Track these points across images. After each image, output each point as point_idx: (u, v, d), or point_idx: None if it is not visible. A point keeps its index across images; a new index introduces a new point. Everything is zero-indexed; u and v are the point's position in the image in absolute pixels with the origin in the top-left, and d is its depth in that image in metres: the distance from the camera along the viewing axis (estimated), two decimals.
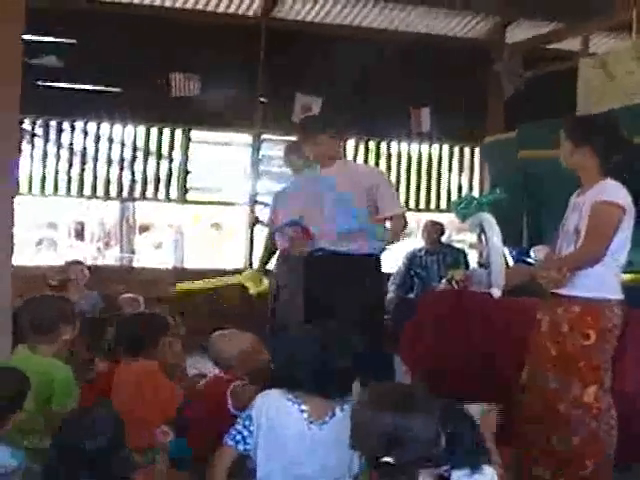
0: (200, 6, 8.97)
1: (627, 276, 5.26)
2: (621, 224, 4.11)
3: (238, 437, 3.32)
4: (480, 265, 6.51)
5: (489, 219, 4.34)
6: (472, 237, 8.34)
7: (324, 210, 5.43)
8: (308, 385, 3.23)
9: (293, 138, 8.05)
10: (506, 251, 4.44)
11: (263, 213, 6.86)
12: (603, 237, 4.07)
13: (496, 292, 4.25)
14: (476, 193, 9.95)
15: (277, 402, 3.26)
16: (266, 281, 6.74)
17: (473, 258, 8.89)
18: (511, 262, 6.29)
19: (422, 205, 10.10)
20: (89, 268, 7.91)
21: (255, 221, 6.91)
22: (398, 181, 9.92)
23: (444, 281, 6.61)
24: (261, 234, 7.05)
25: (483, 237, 4.42)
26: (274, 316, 6.01)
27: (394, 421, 2.53)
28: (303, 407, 3.21)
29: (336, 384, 3.25)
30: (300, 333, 3.53)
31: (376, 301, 5.62)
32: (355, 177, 5.51)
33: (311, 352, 3.26)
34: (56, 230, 14.54)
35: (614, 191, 4.13)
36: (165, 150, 9.17)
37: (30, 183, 8.76)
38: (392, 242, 5.64)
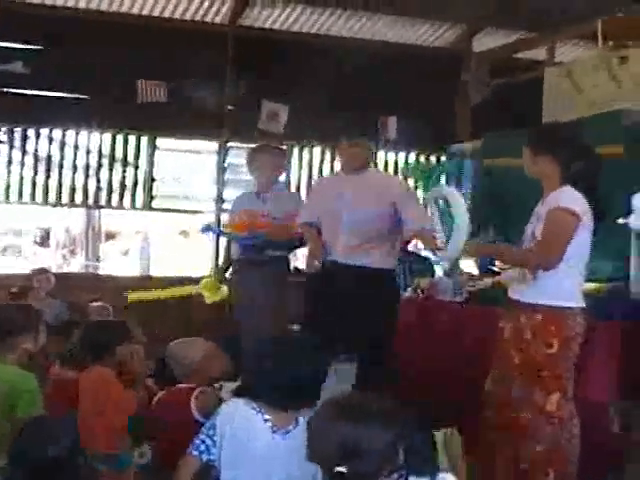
0: (168, 13, 8.94)
1: (591, 285, 5.31)
2: (576, 231, 4.14)
3: (202, 447, 3.29)
4: (446, 274, 6.53)
5: (453, 192, 4.37)
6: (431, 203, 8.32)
7: (339, 227, 5.53)
8: (268, 396, 3.22)
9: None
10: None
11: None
12: (556, 243, 4.10)
13: (444, 262, 4.30)
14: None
15: (241, 411, 3.25)
16: (224, 289, 6.75)
17: (439, 266, 8.91)
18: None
19: None
20: (54, 275, 7.84)
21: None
22: None
23: (410, 289, 6.63)
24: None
25: (438, 211, 4.46)
26: (235, 321, 6.09)
27: (348, 431, 2.52)
28: (267, 416, 3.20)
29: (297, 397, 3.23)
30: (263, 344, 3.52)
31: (384, 316, 5.53)
32: (379, 190, 5.53)
33: (272, 364, 3.25)
34: (21, 237, 14.44)
35: (570, 198, 4.16)
36: (131, 157, 9.12)
37: None
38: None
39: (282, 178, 6.75)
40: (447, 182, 4.51)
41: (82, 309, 7.22)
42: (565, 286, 4.16)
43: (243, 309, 6.33)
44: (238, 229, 6.47)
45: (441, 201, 4.41)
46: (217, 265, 7.13)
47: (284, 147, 7.01)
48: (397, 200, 5.42)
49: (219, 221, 8.55)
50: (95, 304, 7.22)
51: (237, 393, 3.41)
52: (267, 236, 6.13)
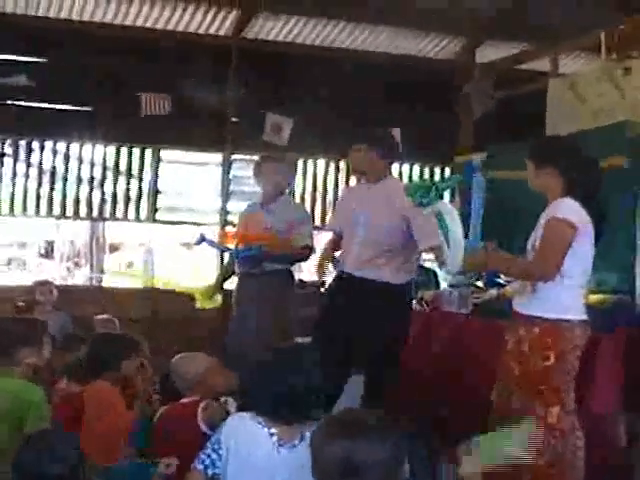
0: (172, 25, 8.95)
1: (595, 297, 5.30)
2: (573, 242, 4.13)
3: (207, 461, 3.29)
4: (451, 286, 6.52)
5: (447, 207, 4.37)
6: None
7: (353, 240, 5.55)
8: (271, 410, 3.22)
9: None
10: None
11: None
12: (552, 254, 4.10)
13: (447, 277, 4.29)
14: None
15: (246, 425, 3.24)
16: (219, 298, 6.75)
17: (443, 278, 8.90)
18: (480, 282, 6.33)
19: None
20: (57, 288, 7.84)
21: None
22: None
23: (414, 302, 6.62)
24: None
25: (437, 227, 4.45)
26: (234, 335, 6.10)
27: (348, 447, 2.51)
28: (272, 430, 3.19)
29: (300, 410, 3.23)
30: (265, 357, 3.51)
31: (390, 331, 5.47)
32: (392, 203, 5.49)
33: (273, 377, 3.25)
34: (25, 249, 14.46)
35: (567, 209, 4.16)
36: (135, 170, 9.14)
37: None
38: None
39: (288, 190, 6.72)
40: (452, 197, 4.51)
41: (86, 322, 7.20)
42: (563, 298, 4.16)
43: (242, 323, 6.32)
44: (231, 240, 6.47)
45: (439, 216, 4.40)
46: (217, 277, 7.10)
47: (291, 158, 6.99)
48: (407, 214, 5.35)
49: (225, 232, 8.52)
50: (101, 317, 7.20)
51: (241, 407, 3.40)
52: (263, 248, 6.11)
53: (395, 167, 9.94)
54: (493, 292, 6.10)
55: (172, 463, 3.67)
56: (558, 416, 4.18)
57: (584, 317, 4.24)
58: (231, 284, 6.83)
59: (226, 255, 6.88)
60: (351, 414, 2.76)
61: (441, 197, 4.40)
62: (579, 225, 4.13)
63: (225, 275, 6.94)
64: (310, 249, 6.29)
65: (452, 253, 4.33)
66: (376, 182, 5.64)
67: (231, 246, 6.47)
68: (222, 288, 6.96)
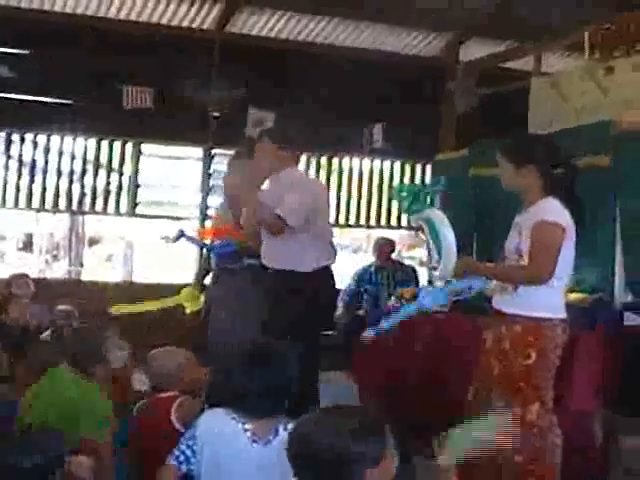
0: (155, 18, 8.92)
1: (575, 295, 5.30)
2: (561, 244, 4.12)
3: (182, 457, 3.26)
4: (430, 283, 6.52)
5: (437, 213, 4.35)
6: (422, 254, 8.37)
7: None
8: (246, 406, 3.19)
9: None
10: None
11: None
12: (549, 258, 4.08)
13: (440, 282, 4.27)
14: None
15: (220, 421, 3.21)
16: (202, 298, 6.72)
17: (423, 275, 8.92)
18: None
19: (373, 221, 10.11)
20: (34, 281, 7.77)
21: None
22: (349, 197, 9.93)
23: (393, 298, 6.62)
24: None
25: (427, 233, 4.43)
26: (207, 330, 6.07)
27: (325, 443, 2.49)
28: (247, 426, 3.16)
29: (274, 405, 3.21)
30: (233, 352, 3.48)
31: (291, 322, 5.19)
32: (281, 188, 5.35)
33: (244, 372, 3.22)
34: (4, 242, 14.38)
35: (555, 211, 4.14)
36: (116, 163, 9.09)
37: None
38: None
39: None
40: (432, 199, 4.46)
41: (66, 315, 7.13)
42: (545, 297, 4.15)
43: (218, 319, 6.28)
44: (208, 235, 6.41)
45: (429, 222, 4.39)
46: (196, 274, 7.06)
47: None
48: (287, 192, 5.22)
49: (203, 228, 8.48)
50: (62, 307, 7.10)
51: (208, 400, 3.38)
52: (239, 244, 6.05)
53: (376, 163, 9.96)
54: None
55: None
56: (537, 413, 4.17)
57: (564, 316, 4.23)
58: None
59: (204, 251, 6.82)
60: (329, 410, 2.73)
61: (431, 202, 4.38)
62: (567, 227, 4.12)
63: (203, 272, 6.89)
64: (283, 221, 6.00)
65: (444, 260, 4.31)
66: (274, 174, 5.43)
67: (208, 242, 6.40)
68: (202, 285, 6.91)
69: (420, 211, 4.34)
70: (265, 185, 5.56)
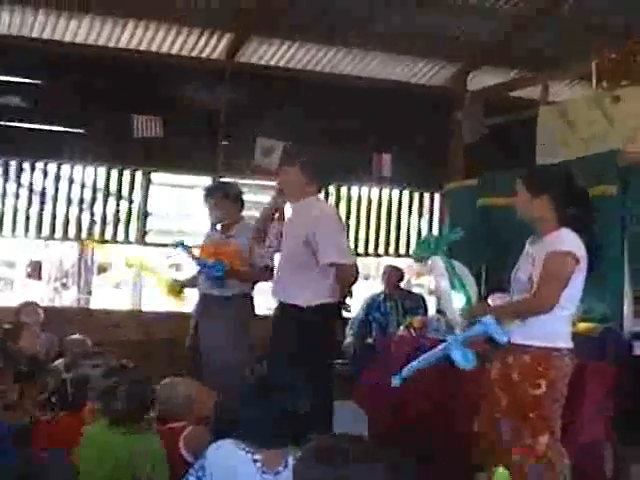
0: (165, 48, 8.98)
1: (584, 325, 5.30)
2: (573, 275, 4.12)
3: None
4: (439, 312, 6.52)
5: (437, 261, 4.36)
6: (431, 282, 8.36)
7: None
8: (256, 436, 3.19)
9: (253, 181, 8.11)
10: (473, 288, 4.43)
11: None
12: (557, 287, 4.08)
13: (457, 331, 4.26)
14: (435, 233, 9.99)
15: (230, 452, 3.21)
16: (184, 295, 6.77)
17: (432, 304, 8.90)
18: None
19: (381, 250, 10.11)
20: (43, 309, 7.78)
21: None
22: (358, 225, 9.94)
23: (402, 327, 6.62)
24: None
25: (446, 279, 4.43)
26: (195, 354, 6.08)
27: (330, 475, 2.48)
28: (256, 457, 3.16)
29: (284, 436, 3.20)
30: (242, 384, 3.49)
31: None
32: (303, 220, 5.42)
33: (253, 403, 3.23)
34: (13, 269, 14.38)
35: (570, 241, 4.15)
36: (125, 191, 9.13)
37: None
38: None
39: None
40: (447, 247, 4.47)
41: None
42: (554, 327, 4.15)
43: (208, 351, 6.30)
44: (204, 253, 6.43)
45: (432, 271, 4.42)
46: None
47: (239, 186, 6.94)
48: (313, 228, 5.29)
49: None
50: (72, 337, 7.10)
51: (215, 432, 3.37)
52: (228, 266, 6.08)
53: (385, 192, 9.98)
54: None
55: None
56: (547, 445, 4.16)
57: (572, 345, 4.23)
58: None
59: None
60: (335, 440, 2.72)
61: (442, 251, 4.39)
62: (581, 259, 4.12)
63: (187, 284, 6.88)
64: (271, 270, 6.06)
65: (445, 309, 4.34)
66: (296, 202, 5.54)
67: (200, 259, 6.41)
68: (184, 287, 6.90)
69: (425, 257, 4.36)
70: (289, 213, 5.62)
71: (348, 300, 5.97)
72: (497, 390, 4.29)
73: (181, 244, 6.41)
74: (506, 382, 4.24)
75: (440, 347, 4.27)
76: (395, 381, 4.34)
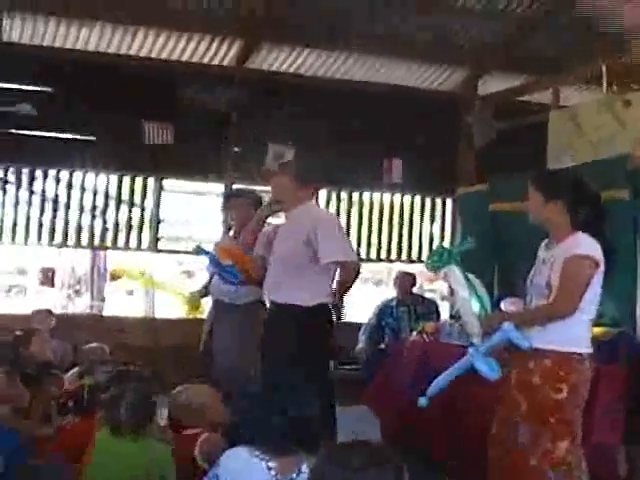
0: (176, 55, 9.01)
1: (598, 329, 5.29)
2: (592, 279, 4.12)
3: None
4: (452, 317, 6.52)
5: (453, 270, 4.35)
6: (444, 287, 8.38)
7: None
8: (270, 443, 3.20)
9: (265, 188, 8.11)
10: (485, 299, 4.42)
11: None
12: (576, 291, 4.07)
13: (475, 341, 4.25)
14: (447, 243, 10.02)
15: (244, 459, 3.21)
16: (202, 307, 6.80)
17: (444, 309, 8.90)
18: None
19: (394, 255, 10.12)
20: (56, 316, 7.81)
21: None
22: (370, 231, 9.95)
23: (415, 333, 6.62)
24: None
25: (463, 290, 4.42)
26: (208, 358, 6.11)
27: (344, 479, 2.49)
28: (270, 464, 3.16)
29: (298, 442, 3.21)
30: (254, 391, 3.50)
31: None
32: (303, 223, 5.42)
33: (272, 411, 3.23)
34: (26, 277, 14.45)
35: (588, 245, 4.14)
36: (137, 198, 9.16)
37: (1, 230, 8.71)
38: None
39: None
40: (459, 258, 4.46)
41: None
42: (575, 332, 4.14)
43: (218, 356, 6.32)
44: (226, 256, 6.41)
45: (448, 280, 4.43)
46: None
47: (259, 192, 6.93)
48: (314, 228, 5.31)
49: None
50: (90, 345, 7.12)
51: (230, 439, 3.38)
52: (240, 273, 6.09)
53: (397, 198, 9.99)
54: None
55: None
56: (567, 450, 4.14)
57: (591, 350, 4.23)
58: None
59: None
60: (350, 445, 2.73)
61: (455, 261, 4.38)
62: (600, 262, 4.12)
63: (204, 294, 6.92)
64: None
65: (464, 318, 4.34)
66: (293, 208, 5.52)
67: (223, 262, 6.41)
68: (203, 297, 6.94)
69: (442, 267, 4.36)
70: (283, 220, 5.63)
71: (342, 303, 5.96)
72: (516, 394, 4.27)
73: (201, 249, 6.40)
74: (526, 386, 4.22)
75: (462, 360, 4.27)
76: (422, 402, 4.34)
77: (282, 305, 5.35)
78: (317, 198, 9.06)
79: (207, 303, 6.97)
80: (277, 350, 5.25)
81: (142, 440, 3.86)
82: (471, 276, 4.40)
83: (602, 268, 4.15)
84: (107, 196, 9.07)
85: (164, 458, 3.86)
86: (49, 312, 7.84)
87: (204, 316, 7.04)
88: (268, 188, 6.90)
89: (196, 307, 6.91)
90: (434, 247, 9.02)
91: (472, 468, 4.80)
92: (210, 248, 6.84)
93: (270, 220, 5.85)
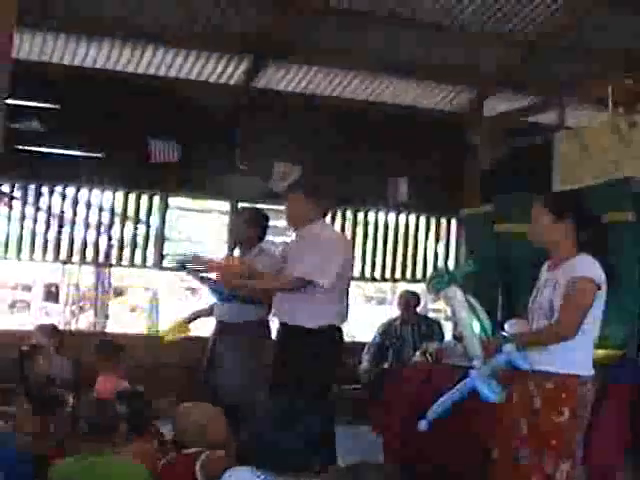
0: (183, 74, 9.04)
1: (600, 352, 5.27)
2: (594, 301, 4.12)
3: None
4: (455, 338, 6.50)
5: (454, 292, 4.34)
6: (446, 307, 8.38)
7: None
8: (271, 463, 3.20)
9: (270, 206, 8.13)
10: (486, 321, 4.41)
11: None
12: (578, 313, 4.06)
13: (476, 363, 4.23)
14: (452, 263, 10.02)
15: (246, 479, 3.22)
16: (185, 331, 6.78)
17: (448, 329, 8.89)
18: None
19: (398, 274, 10.11)
20: (61, 332, 7.80)
21: None
22: (374, 250, 9.95)
23: (418, 353, 6.61)
24: None
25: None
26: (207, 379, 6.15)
27: None
28: None
29: (299, 462, 3.21)
30: (259, 412, 3.51)
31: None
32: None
33: (274, 432, 3.24)
34: (30, 292, 14.46)
35: (590, 267, 4.13)
36: (143, 215, 9.18)
37: (6, 245, 8.73)
38: None
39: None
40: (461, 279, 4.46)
41: (91, 367, 7.12)
42: (577, 354, 4.12)
43: (220, 376, 6.31)
44: (214, 270, 6.39)
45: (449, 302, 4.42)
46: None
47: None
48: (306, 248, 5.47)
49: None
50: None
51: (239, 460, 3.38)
52: (222, 285, 6.11)
53: (402, 217, 10.00)
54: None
55: None
56: (567, 473, 4.13)
57: (593, 372, 4.22)
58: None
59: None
60: (355, 466, 2.73)
61: (457, 283, 4.37)
62: (602, 285, 4.12)
63: (199, 315, 6.92)
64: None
65: (466, 340, 4.33)
66: (302, 227, 5.65)
67: (210, 276, 6.43)
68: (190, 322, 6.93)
69: (443, 289, 4.36)
70: (293, 237, 5.66)
71: None
72: (517, 416, 4.26)
73: (183, 267, 6.41)
74: (527, 409, 4.20)
75: (463, 383, 4.25)
76: (422, 426, 4.32)
77: (291, 327, 5.41)
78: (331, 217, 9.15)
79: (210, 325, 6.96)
80: (282, 371, 5.28)
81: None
82: (472, 298, 4.40)
83: (604, 290, 4.15)
84: (113, 213, 9.10)
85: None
86: (54, 328, 7.84)
87: (202, 334, 7.04)
88: (273, 207, 6.97)
89: (182, 331, 6.88)
90: (436, 269, 8.99)
91: None
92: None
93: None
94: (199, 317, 6.90)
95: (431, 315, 10.13)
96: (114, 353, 6.26)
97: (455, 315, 4.33)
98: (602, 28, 8.35)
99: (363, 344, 8.68)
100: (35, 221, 8.87)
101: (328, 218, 9.15)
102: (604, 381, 4.56)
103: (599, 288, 4.11)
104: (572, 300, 4.08)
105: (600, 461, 4.79)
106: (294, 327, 5.36)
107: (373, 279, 10.14)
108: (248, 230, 6.47)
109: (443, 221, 10.28)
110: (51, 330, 7.71)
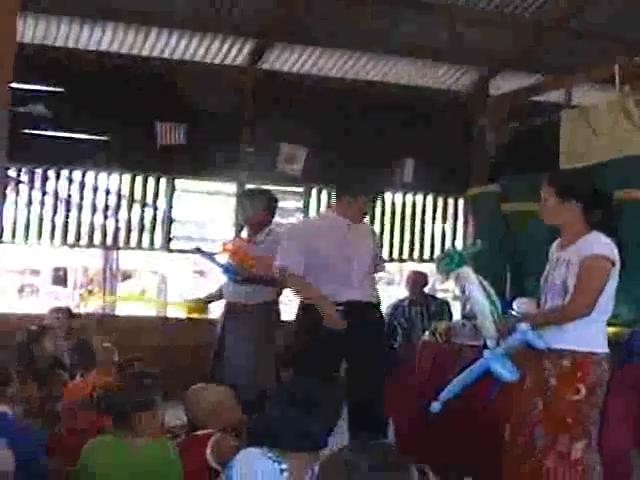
0: (188, 56, 9.03)
1: (611, 329, 5.26)
2: (609, 278, 4.11)
3: None
4: (464, 317, 6.49)
5: (467, 273, 4.33)
6: (456, 288, 8.36)
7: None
8: (285, 444, 3.20)
9: (277, 187, 8.14)
10: (497, 302, 4.39)
11: None
12: (593, 291, 4.05)
13: (490, 343, 4.22)
14: (459, 243, 10.01)
15: (256, 461, 3.20)
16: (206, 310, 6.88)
17: (457, 309, 8.88)
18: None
19: (405, 255, 10.11)
20: (72, 315, 7.81)
21: None
22: (382, 231, 9.94)
23: (427, 333, 6.59)
24: None
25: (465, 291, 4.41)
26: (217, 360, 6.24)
27: None
28: (283, 466, 3.16)
29: (311, 442, 3.21)
30: (273, 390, 3.50)
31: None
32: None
33: (284, 410, 3.24)
34: (38, 277, 14.49)
35: (604, 245, 4.12)
36: (150, 198, 9.18)
37: (14, 230, 8.74)
38: None
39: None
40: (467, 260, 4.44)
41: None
42: (592, 332, 4.11)
43: (231, 357, 6.33)
44: (227, 252, 6.46)
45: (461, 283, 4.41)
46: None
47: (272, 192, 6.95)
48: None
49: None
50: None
51: (250, 441, 3.38)
52: (237, 270, 6.17)
53: (408, 198, 9.99)
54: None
55: None
56: (583, 451, 4.11)
57: (608, 350, 4.21)
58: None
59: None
60: (358, 447, 2.73)
61: (467, 264, 4.36)
62: (616, 261, 4.11)
63: (212, 299, 6.95)
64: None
65: (479, 320, 4.31)
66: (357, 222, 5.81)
67: (222, 259, 6.49)
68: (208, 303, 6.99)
69: (453, 270, 4.35)
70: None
71: None
72: (532, 395, 4.25)
73: (199, 249, 6.48)
74: (542, 387, 4.19)
75: (478, 363, 4.25)
76: (435, 407, 4.32)
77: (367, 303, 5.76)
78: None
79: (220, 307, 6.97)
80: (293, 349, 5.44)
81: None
82: (481, 278, 4.38)
83: (618, 267, 4.14)
84: (119, 196, 9.11)
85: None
86: (68, 310, 7.83)
87: (214, 316, 7.07)
88: (280, 188, 6.98)
89: (200, 311, 6.94)
90: (444, 250, 8.97)
91: (487, 473, 4.78)
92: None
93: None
94: (212, 301, 6.92)
95: (439, 295, 10.11)
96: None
97: (468, 296, 4.32)
98: (608, 11, 8.31)
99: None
100: (42, 205, 8.88)
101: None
102: (614, 360, 4.54)
103: (613, 265, 4.10)
104: (588, 278, 4.07)
105: (612, 443, 4.77)
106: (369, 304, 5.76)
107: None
108: (257, 212, 6.47)
109: (450, 201, 10.26)
110: (66, 312, 7.70)
